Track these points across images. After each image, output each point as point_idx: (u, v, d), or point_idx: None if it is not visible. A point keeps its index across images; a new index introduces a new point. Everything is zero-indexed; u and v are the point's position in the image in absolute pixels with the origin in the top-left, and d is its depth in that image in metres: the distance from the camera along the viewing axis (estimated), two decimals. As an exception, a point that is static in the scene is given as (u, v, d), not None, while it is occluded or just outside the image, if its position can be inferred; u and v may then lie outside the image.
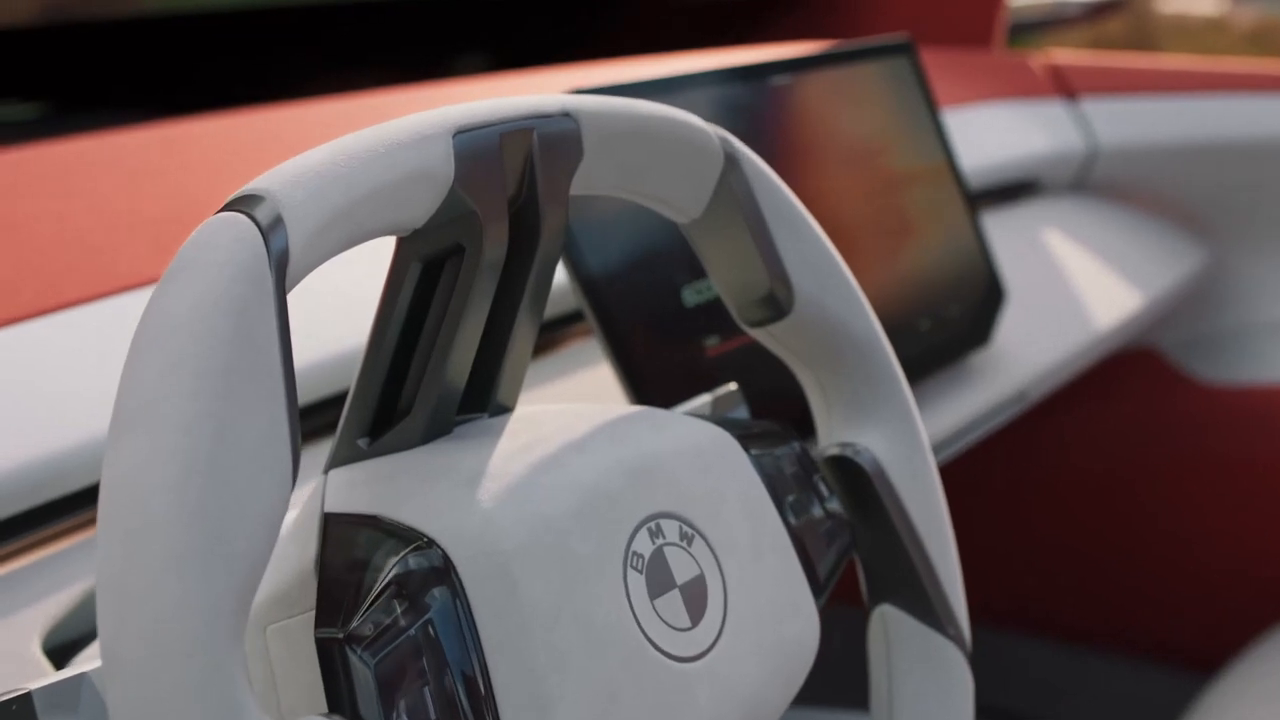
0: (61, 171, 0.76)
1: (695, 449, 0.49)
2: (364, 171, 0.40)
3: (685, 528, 0.47)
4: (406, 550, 0.42)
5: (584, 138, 0.47)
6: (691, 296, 0.75)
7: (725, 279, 0.53)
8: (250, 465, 0.35)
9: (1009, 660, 1.56)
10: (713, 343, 0.75)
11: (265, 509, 0.35)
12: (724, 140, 0.51)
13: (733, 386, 0.62)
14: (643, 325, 0.72)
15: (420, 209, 0.42)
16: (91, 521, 0.59)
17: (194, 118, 0.88)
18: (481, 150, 0.43)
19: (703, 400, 0.62)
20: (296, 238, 0.38)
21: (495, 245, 0.45)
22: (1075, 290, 1.18)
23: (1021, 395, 0.99)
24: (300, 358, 0.66)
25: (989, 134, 1.26)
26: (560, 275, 0.75)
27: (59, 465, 0.57)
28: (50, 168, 0.76)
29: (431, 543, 0.42)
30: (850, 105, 0.93)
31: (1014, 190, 1.31)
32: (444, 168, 0.42)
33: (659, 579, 0.46)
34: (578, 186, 0.48)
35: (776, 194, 0.53)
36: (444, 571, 0.42)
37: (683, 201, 0.51)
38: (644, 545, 0.46)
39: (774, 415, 0.72)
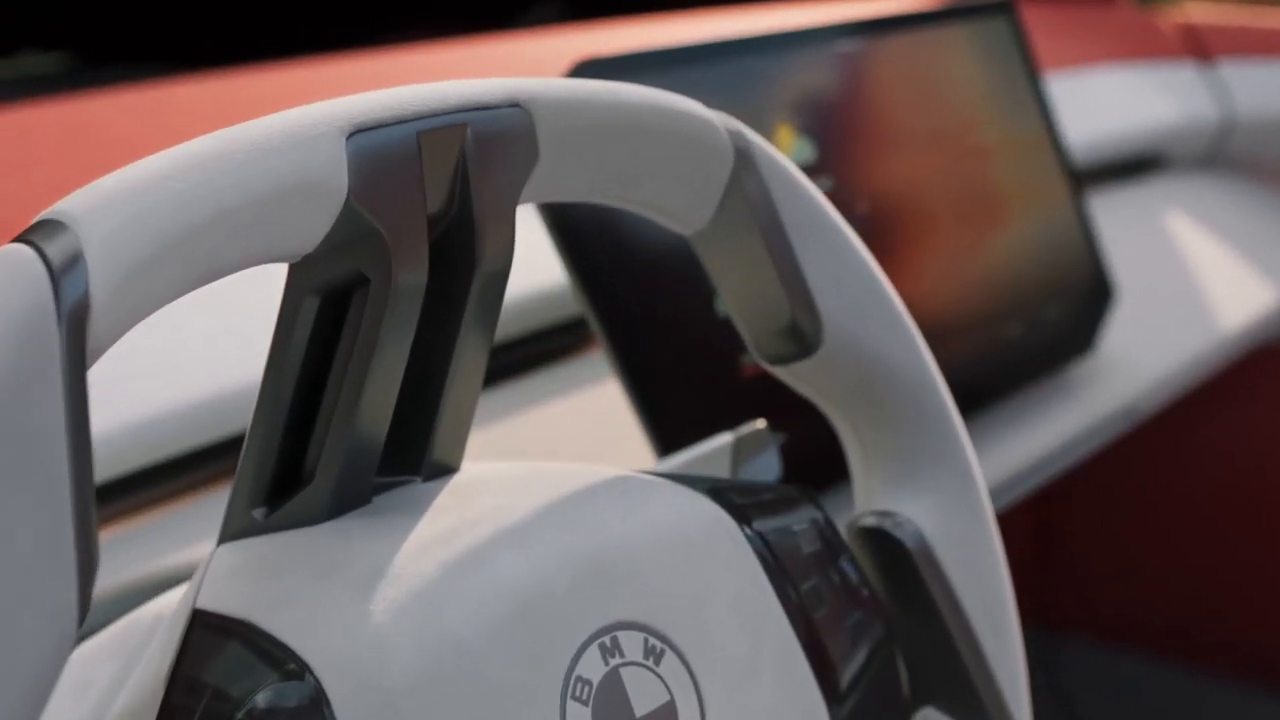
0: (34, 139, 0.68)
1: (675, 533, 0.39)
2: (210, 186, 0.30)
3: (653, 641, 0.37)
4: (271, 678, 0.33)
5: (539, 134, 0.37)
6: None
7: (739, 304, 0.43)
8: (8, 601, 0.26)
9: (1118, 681, 1.47)
10: (750, 361, 0.64)
11: (28, 657, 0.26)
12: (735, 133, 0.41)
13: (760, 424, 0.51)
14: (663, 338, 0.61)
15: (305, 231, 0.33)
16: None
17: (215, 74, 0.80)
18: (389, 154, 0.34)
19: (722, 441, 0.51)
20: (103, 280, 0.29)
21: (410, 271, 0.35)
22: (1200, 282, 1.06)
23: (1131, 410, 0.87)
24: (238, 378, 0.57)
25: (1107, 102, 1.15)
26: (562, 275, 0.65)
27: None
28: (29, 133, 0.68)
29: (304, 668, 0.33)
30: (934, 75, 0.80)
31: (1135, 166, 1.20)
32: (333, 178, 0.33)
33: (611, 711, 0.35)
34: (532, 194, 0.38)
35: (801, 199, 0.42)
36: (313, 710, 0.32)
37: (682, 210, 0.41)
38: (593, 668, 0.35)
39: (821, 454, 0.61)
